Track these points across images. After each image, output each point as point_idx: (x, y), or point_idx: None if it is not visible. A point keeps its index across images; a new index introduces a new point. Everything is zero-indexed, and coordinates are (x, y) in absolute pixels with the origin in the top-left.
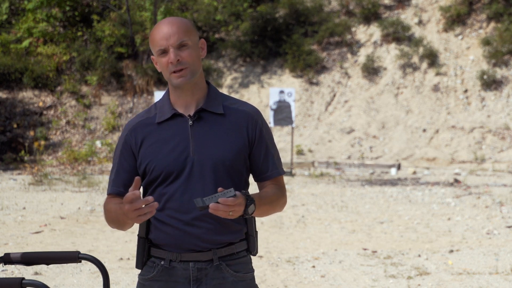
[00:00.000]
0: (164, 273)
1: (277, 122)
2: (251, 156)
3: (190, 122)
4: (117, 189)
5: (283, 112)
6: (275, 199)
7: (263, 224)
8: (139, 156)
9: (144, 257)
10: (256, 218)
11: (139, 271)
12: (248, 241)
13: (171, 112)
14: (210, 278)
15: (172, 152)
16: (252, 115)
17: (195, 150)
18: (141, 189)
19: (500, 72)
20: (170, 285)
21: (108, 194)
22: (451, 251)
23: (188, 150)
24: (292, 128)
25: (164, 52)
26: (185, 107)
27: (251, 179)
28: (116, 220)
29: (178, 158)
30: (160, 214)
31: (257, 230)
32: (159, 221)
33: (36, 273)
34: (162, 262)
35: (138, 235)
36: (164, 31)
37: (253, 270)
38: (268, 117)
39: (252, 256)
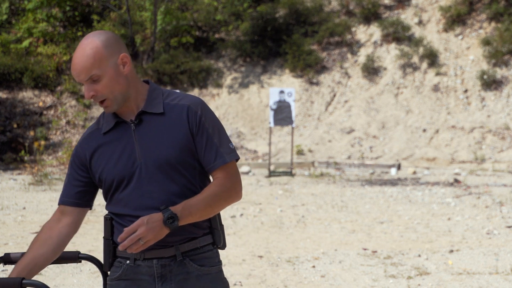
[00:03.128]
0: (129, 272)
1: (277, 122)
2: (195, 148)
3: (133, 127)
4: (68, 200)
5: (283, 112)
6: (213, 197)
7: (263, 224)
8: (91, 168)
9: (110, 258)
10: (255, 218)
11: None
12: (213, 235)
13: (114, 121)
14: (175, 274)
15: (120, 159)
16: (191, 107)
17: (141, 154)
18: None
19: (500, 72)
20: (136, 283)
21: (58, 204)
22: (451, 251)
23: (135, 154)
24: (292, 128)
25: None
26: (128, 113)
27: None
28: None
29: (126, 164)
30: (120, 218)
31: (222, 223)
32: (120, 225)
33: None
34: (128, 262)
35: (103, 237)
36: (73, 67)
37: (219, 263)
38: (268, 117)
39: (250, 256)
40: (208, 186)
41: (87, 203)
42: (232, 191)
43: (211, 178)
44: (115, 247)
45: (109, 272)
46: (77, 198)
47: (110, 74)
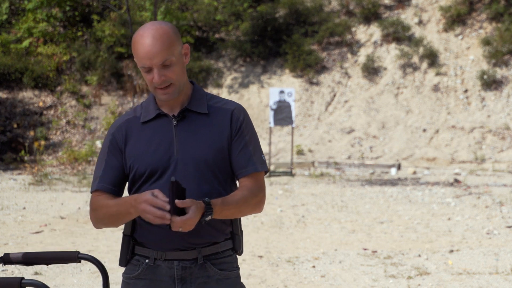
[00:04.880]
0: (148, 272)
1: (277, 122)
2: (229, 151)
3: (174, 122)
4: (105, 186)
5: (283, 112)
6: (243, 202)
7: (263, 224)
8: (125, 154)
9: (128, 255)
10: (255, 218)
11: None
12: (234, 240)
13: (156, 112)
14: (195, 276)
15: (156, 151)
16: (234, 112)
17: (179, 150)
18: (126, 186)
19: (500, 72)
20: (155, 284)
21: (95, 190)
22: (451, 251)
23: (172, 149)
24: (292, 128)
25: (148, 70)
26: (170, 107)
27: None
28: (115, 215)
29: (162, 157)
30: None
31: (242, 230)
32: (144, 220)
33: (36, 273)
34: (147, 261)
35: (123, 232)
36: (147, 50)
37: (238, 268)
38: (268, 117)
39: (252, 256)
40: (238, 189)
41: (119, 192)
42: (259, 199)
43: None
44: (134, 244)
45: (124, 268)
46: (114, 185)
47: (179, 61)
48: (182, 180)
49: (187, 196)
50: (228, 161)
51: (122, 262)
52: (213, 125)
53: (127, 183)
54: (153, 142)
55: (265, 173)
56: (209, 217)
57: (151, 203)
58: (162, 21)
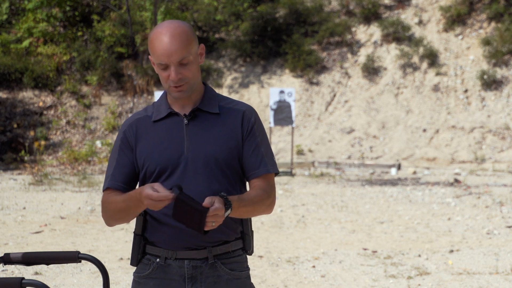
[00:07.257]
0: (159, 271)
1: (277, 122)
2: (240, 152)
3: (186, 121)
4: (117, 183)
5: (283, 112)
6: (258, 201)
7: (263, 224)
8: (136, 152)
9: (139, 254)
10: (255, 218)
11: None
12: (244, 240)
13: (167, 111)
14: (205, 276)
15: (167, 149)
16: (246, 113)
17: (189, 148)
18: (137, 186)
19: (500, 72)
20: (165, 283)
21: (107, 188)
22: (451, 251)
23: (183, 148)
24: (292, 128)
25: (165, 67)
26: (181, 107)
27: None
28: (124, 209)
29: (172, 155)
30: (155, 212)
31: (253, 229)
32: (154, 219)
33: (36, 273)
34: (158, 260)
35: (134, 232)
36: (165, 47)
37: (248, 269)
38: (268, 117)
39: (248, 256)
40: (252, 189)
41: (130, 190)
42: (272, 199)
43: (247, 187)
44: (145, 243)
45: (135, 268)
46: (124, 182)
47: (196, 60)
48: (193, 178)
49: (197, 195)
50: (238, 162)
51: (134, 262)
52: (224, 124)
53: (138, 181)
54: (164, 140)
55: (275, 174)
56: (229, 211)
57: (152, 198)
58: (179, 20)
